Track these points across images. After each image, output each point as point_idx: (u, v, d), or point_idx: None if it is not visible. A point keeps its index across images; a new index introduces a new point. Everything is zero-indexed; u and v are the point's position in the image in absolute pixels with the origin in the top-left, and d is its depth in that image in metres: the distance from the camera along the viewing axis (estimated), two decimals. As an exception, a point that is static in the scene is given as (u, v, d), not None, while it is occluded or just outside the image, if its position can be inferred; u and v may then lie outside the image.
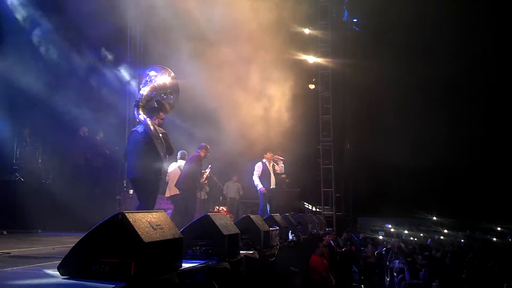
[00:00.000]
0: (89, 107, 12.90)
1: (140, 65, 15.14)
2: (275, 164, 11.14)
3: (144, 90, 6.61)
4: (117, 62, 14.24)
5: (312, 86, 17.99)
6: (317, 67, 17.52)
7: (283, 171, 11.33)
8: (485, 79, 22.83)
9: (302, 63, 17.24)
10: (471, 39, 22.69)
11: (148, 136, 6.29)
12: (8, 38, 11.60)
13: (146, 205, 6.21)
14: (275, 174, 11.11)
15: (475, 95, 23.46)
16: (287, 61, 15.46)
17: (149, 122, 6.38)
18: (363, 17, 20.01)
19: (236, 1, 13.77)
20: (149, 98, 6.61)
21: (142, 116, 6.43)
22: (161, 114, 6.64)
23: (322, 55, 17.46)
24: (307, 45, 17.62)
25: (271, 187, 10.92)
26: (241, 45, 14.40)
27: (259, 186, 10.82)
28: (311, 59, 17.51)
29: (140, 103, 6.50)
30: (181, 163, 10.01)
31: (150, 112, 6.55)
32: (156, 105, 6.67)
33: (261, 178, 10.87)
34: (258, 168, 10.99)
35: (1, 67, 11.22)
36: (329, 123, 17.24)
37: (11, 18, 11.95)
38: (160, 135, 6.45)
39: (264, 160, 11.08)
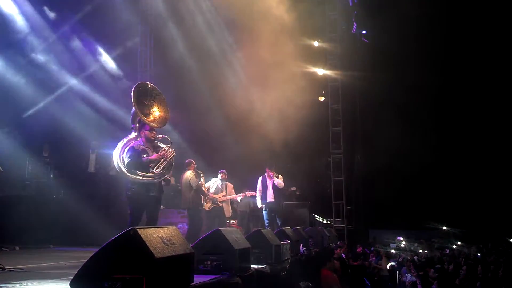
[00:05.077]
0: (100, 121, 13.02)
1: (151, 81, 15.29)
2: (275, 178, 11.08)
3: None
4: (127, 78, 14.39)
5: (321, 99, 17.98)
6: (326, 79, 17.52)
7: (282, 185, 11.11)
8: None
9: (311, 75, 17.24)
10: (483, 48, 22.62)
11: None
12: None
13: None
14: (275, 187, 10.99)
15: (491, 103, 23.31)
16: (296, 73, 15.50)
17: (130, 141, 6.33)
18: (372, 29, 20.02)
19: (244, 15, 13.90)
20: (134, 114, 6.41)
21: (132, 134, 6.41)
22: (146, 127, 6.35)
23: (331, 67, 17.45)
24: (316, 57, 17.63)
25: (267, 201, 10.94)
26: (249, 59, 14.50)
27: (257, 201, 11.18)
28: (320, 71, 17.53)
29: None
30: (216, 180, 10.90)
31: (140, 127, 6.41)
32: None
33: (261, 192, 11.06)
34: (258, 183, 11.16)
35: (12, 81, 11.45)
36: (339, 135, 17.16)
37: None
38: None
39: (265, 174, 11.12)
